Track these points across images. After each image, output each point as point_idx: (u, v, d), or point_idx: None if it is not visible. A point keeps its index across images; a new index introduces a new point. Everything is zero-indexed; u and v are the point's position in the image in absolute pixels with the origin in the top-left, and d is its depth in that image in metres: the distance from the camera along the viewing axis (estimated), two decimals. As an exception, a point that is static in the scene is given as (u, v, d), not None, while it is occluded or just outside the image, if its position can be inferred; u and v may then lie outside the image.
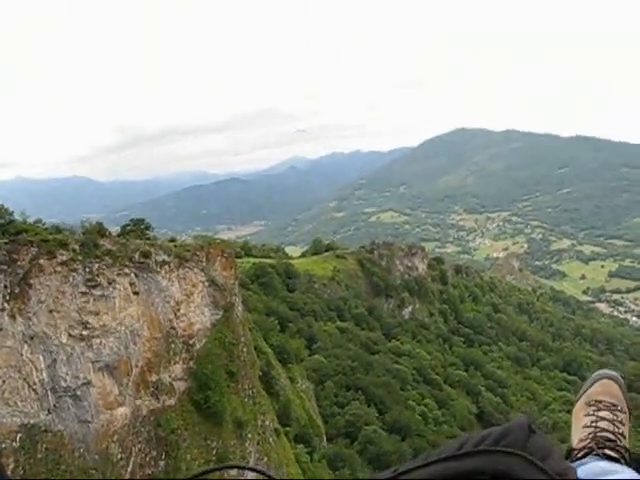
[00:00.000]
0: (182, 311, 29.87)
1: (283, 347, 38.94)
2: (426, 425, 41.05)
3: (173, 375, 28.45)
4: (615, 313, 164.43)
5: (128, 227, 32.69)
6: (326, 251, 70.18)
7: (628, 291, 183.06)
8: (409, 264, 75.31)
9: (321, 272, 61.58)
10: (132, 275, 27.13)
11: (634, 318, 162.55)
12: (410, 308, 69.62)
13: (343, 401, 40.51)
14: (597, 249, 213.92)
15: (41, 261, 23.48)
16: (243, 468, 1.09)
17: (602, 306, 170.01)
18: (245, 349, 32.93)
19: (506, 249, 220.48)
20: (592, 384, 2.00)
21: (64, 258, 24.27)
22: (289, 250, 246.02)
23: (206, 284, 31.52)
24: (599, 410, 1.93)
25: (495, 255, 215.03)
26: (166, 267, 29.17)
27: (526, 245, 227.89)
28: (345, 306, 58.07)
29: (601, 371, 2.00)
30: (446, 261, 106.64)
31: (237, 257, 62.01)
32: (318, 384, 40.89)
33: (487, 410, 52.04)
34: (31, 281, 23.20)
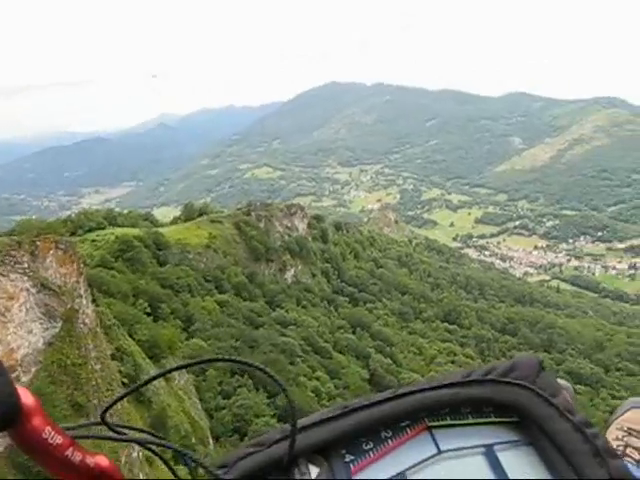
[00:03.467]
0: (-6, 336, 21.84)
1: (154, 340, 33.13)
2: (319, 402, 38.12)
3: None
4: (482, 257, 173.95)
5: None
6: (199, 216, 64.37)
7: (492, 236, 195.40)
8: (289, 224, 71.70)
9: (195, 240, 55.91)
10: None
11: (498, 261, 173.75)
12: (292, 271, 66.33)
13: (229, 390, 36.22)
14: (463, 197, 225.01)
15: None
16: (231, 362, 0.99)
17: (470, 251, 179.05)
18: (99, 365, 25.53)
19: (380, 200, 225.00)
20: (625, 411, 1.95)
21: None
22: (162, 211, 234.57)
23: (33, 291, 23.75)
24: (630, 437, 1.87)
25: (370, 207, 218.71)
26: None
27: (399, 196, 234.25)
28: (224, 275, 53.30)
29: (635, 399, 1.95)
30: (324, 216, 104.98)
31: (100, 228, 55.00)
32: (199, 374, 35.90)
33: (378, 372, 50.44)
34: None
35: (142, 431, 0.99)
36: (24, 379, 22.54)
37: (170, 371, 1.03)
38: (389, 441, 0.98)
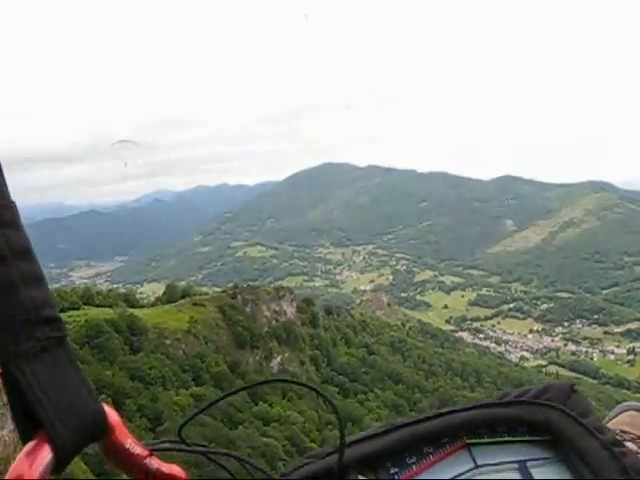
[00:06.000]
0: None
1: None
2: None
3: None
4: (476, 340, 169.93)
5: None
6: (182, 297, 61.09)
7: (486, 318, 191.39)
8: (277, 308, 68.30)
9: (175, 324, 52.25)
10: None
11: (493, 344, 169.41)
12: (279, 358, 62.33)
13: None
14: (457, 279, 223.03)
15: None
16: (292, 383, 1.16)
17: (464, 334, 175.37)
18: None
19: (372, 281, 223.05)
20: (618, 414, 1.91)
21: None
22: (152, 287, 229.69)
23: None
24: (623, 440, 1.72)
25: (362, 288, 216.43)
26: None
27: (391, 277, 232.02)
28: (203, 364, 49.36)
29: (629, 403, 1.93)
30: (315, 296, 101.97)
31: (74, 309, 51.54)
32: None
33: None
34: None
35: (212, 452, 1.06)
36: None
37: (232, 393, 1.16)
38: (430, 456, 1.04)
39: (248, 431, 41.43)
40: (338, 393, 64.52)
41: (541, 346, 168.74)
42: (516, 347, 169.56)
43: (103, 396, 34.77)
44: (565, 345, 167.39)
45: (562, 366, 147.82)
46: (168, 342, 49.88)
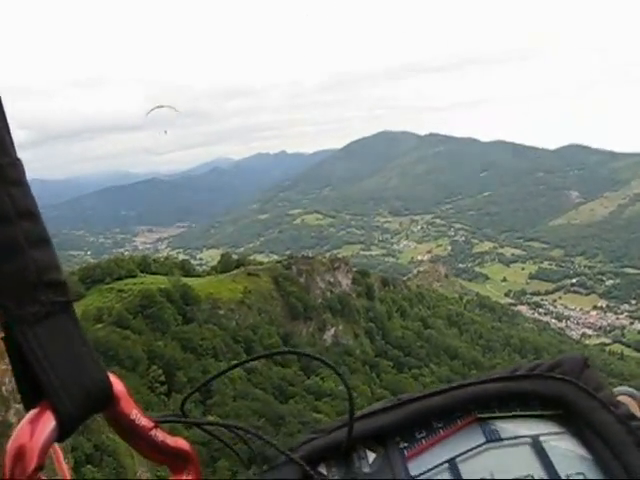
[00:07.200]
0: None
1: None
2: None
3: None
4: (536, 315, 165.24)
5: None
6: (237, 267, 60.64)
7: (547, 293, 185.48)
8: (331, 280, 67.23)
9: (228, 295, 51.88)
10: None
11: (554, 320, 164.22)
12: (333, 331, 61.46)
13: (242, 484, 31.19)
14: (517, 251, 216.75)
15: None
16: (298, 354, 1.14)
17: (523, 309, 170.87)
18: None
19: (430, 252, 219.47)
20: None
21: None
22: (211, 253, 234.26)
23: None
24: None
25: (420, 258, 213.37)
26: None
27: (449, 248, 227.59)
28: (255, 336, 48.93)
29: (620, 388, 1.83)
30: (372, 266, 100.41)
31: (131, 276, 52.08)
32: (210, 462, 29.72)
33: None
34: None
35: (214, 423, 1.07)
36: None
37: (246, 362, 1.20)
38: (440, 430, 1.03)
39: (299, 406, 40.80)
40: (392, 367, 63.38)
41: (605, 323, 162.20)
42: (578, 324, 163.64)
43: (154, 367, 34.73)
44: (631, 324, 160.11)
45: (628, 346, 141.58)
46: (221, 312, 49.70)
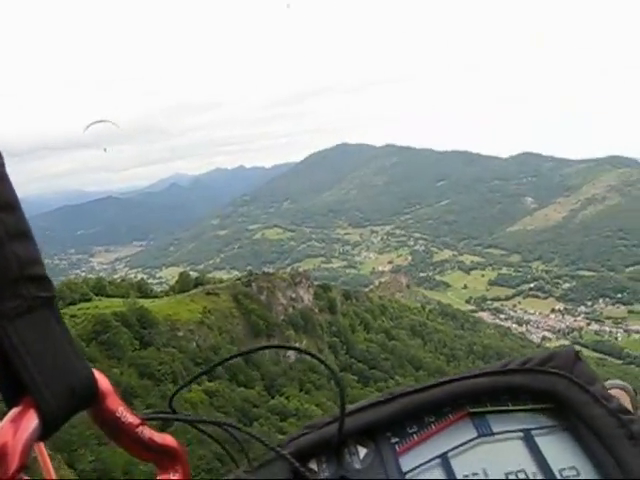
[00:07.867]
0: None
1: (103, 467, 26.27)
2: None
3: None
4: (497, 321, 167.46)
5: None
6: (195, 287, 59.29)
7: (507, 298, 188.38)
8: (293, 295, 66.46)
9: (187, 315, 50.47)
10: None
11: (514, 325, 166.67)
12: (296, 347, 60.58)
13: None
14: (476, 258, 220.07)
15: None
16: (288, 348, 1.27)
17: (485, 315, 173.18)
18: None
19: (391, 262, 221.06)
20: None
21: None
22: (170, 271, 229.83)
23: None
24: None
25: (381, 269, 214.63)
26: None
27: (410, 257, 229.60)
28: (217, 357, 47.71)
29: (612, 381, 1.86)
30: (333, 278, 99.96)
31: (86, 300, 50.12)
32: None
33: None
34: None
35: (202, 420, 1.06)
36: None
37: (249, 352, 1.29)
38: (432, 425, 1.03)
39: (264, 428, 39.75)
40: (357, 381, 62.77)
41: (563, 326, 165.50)
42: (538, 327, 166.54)
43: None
44: (588, 325, 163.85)
45: (585, 346, 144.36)
46: (180, 334, 48.19)
